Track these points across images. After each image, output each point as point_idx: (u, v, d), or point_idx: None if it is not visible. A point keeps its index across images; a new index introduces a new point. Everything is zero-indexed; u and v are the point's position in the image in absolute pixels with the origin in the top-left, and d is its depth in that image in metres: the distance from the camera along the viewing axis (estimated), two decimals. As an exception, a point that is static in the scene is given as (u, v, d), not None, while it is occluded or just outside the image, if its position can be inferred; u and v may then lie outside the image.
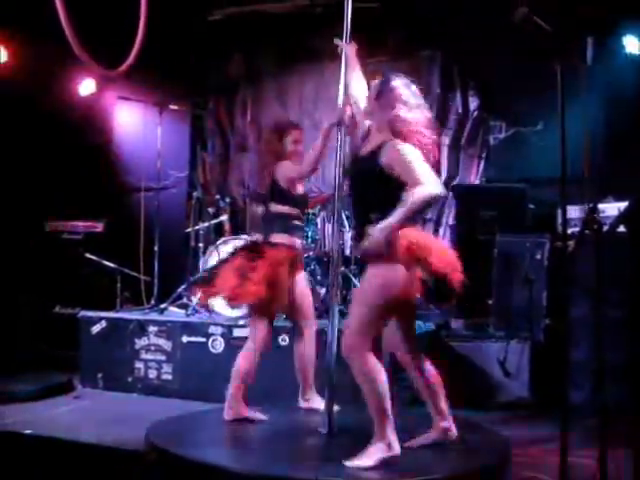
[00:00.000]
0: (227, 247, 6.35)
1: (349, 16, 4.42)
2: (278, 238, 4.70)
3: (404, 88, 3.90)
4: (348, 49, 4.36)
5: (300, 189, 4.85)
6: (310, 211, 6.59)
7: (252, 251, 4.67)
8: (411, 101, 3.88)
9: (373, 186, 3.80)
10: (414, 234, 3.78)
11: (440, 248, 3.88)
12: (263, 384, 5.25)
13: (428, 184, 3.64)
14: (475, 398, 5.53)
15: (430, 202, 3.78)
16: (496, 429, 4.77)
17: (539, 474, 3.91)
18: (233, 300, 4.65)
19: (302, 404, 4.85)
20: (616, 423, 3.11)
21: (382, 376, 3.74)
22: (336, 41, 4.43)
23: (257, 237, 4.86)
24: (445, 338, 6.07)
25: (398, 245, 3.66)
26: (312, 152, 4.56)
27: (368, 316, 3.73)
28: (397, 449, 3.72)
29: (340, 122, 4.36)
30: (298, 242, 4.82)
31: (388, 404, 3.71)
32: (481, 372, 5.75)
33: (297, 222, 4.80)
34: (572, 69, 3.60)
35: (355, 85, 4.33)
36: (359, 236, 3.85)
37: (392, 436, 3.71)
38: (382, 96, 3.92)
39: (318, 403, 4.69)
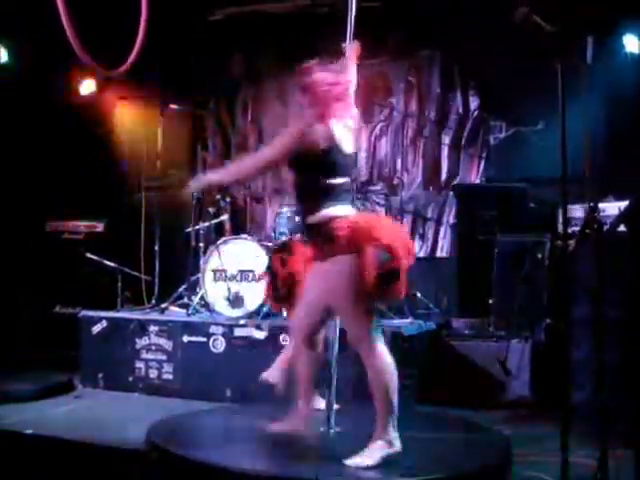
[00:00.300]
0: (228, 246, 6.38)
1: (353, 15, 4.44)
2: None
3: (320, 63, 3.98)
4: (350, 49, 4.38)
5: None
6: None
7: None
8: (331, 67, 3.96)
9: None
10: (359, 218, 3.80)
11: (390, 225, 3.87)
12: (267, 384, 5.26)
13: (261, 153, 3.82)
14: (476, 397, 5.53)
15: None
16: (497, 428, 4.78)
17: (540, 474, 3.91)
18: None
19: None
20: (616, 423, 3.11)
21: (391, 369, 3.73)
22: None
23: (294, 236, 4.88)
24: (446, 337, 6.08)
25: (342, 235, 3.65)
26: None
27: (354, 309, 3.71)
28: (398, 446, 3.71)
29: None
30: None
31: (395, 399, 3.70)
32: (482, 371, 5.75)
33: None
34: (572, 68, 3.60)
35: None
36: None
37: (394, 433, 3.71)
38: (299, 78, 3.99)
39: (319, 403, 4.68)
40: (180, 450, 3.88)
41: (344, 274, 3.66)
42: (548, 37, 3.53)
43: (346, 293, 3.68)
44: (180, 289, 6.79)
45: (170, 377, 6.02)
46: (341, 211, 3.77)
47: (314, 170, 3.76)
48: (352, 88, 4.20)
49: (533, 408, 5.43)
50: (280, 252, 4.68)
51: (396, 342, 5.36)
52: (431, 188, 7.88)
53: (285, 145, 3.79)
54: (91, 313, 6.42)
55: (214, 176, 4.09)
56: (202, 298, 6.47)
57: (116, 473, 4.25)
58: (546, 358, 5.54)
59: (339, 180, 3.80)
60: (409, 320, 6.08)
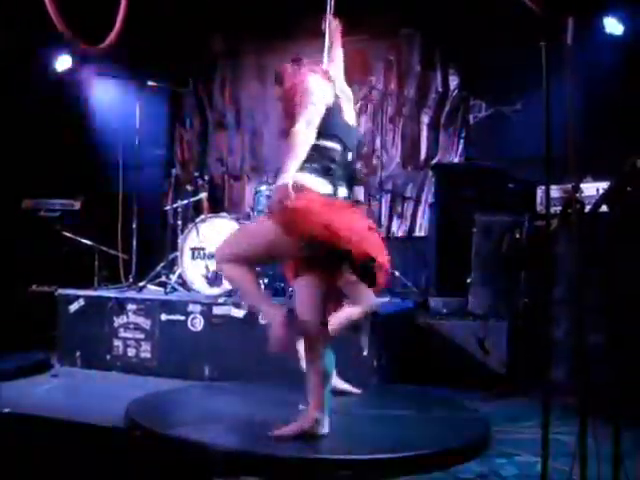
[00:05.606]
0: (206, 225, 6.35)
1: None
2: None
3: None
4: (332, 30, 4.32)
5: None
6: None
7: None
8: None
9: None
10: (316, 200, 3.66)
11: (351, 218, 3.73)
12: (246, 362, 5.28)
13: None
14: (454, 376, 5.56)
15: None
16: (475, 407, 4.82)
17: (518, 451, 3.95)
18: None
19: None
20: (595, 400, 3.15)
21: None
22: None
23: None
24: (424, 316, 6.10)
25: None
26: None
27: None
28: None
29: None
30: None
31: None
32: (459, 350, 5.78)
33: None
34: (553, 49, 3.60)
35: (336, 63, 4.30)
36: None
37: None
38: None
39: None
40: (160, 428, 3.88)
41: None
42: (530, 16, 3.51)
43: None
44: (158, 267, 6.76)
45: (148, 355, 6.01)
46: (309, 181, 3.64)
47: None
48: (337, 70, 4.19)
49: (511, 386, 5.48)
50: None
51: (373, 320, 5.37)
52: (410, 167, 7.89)
53: None
54: (68, 291, 6.37)
55: None
56: (180, 276, 6.45)
57: (94, 450, 4.23)
58: (523, 337, 5.59)
59: (327, 143, 3.68)
60: (387, 299, 6.10)
